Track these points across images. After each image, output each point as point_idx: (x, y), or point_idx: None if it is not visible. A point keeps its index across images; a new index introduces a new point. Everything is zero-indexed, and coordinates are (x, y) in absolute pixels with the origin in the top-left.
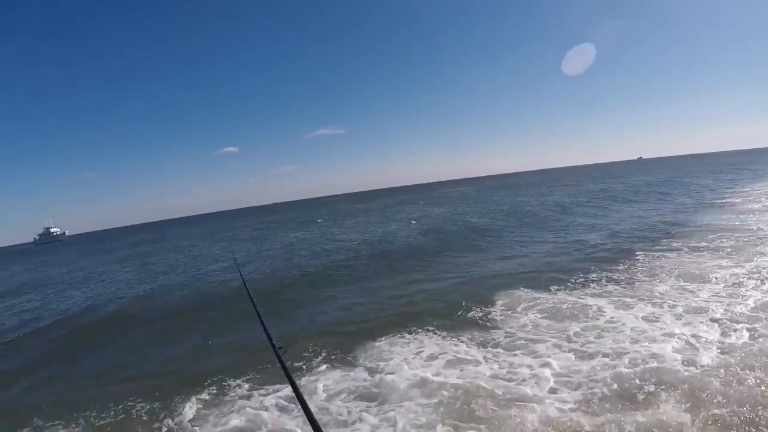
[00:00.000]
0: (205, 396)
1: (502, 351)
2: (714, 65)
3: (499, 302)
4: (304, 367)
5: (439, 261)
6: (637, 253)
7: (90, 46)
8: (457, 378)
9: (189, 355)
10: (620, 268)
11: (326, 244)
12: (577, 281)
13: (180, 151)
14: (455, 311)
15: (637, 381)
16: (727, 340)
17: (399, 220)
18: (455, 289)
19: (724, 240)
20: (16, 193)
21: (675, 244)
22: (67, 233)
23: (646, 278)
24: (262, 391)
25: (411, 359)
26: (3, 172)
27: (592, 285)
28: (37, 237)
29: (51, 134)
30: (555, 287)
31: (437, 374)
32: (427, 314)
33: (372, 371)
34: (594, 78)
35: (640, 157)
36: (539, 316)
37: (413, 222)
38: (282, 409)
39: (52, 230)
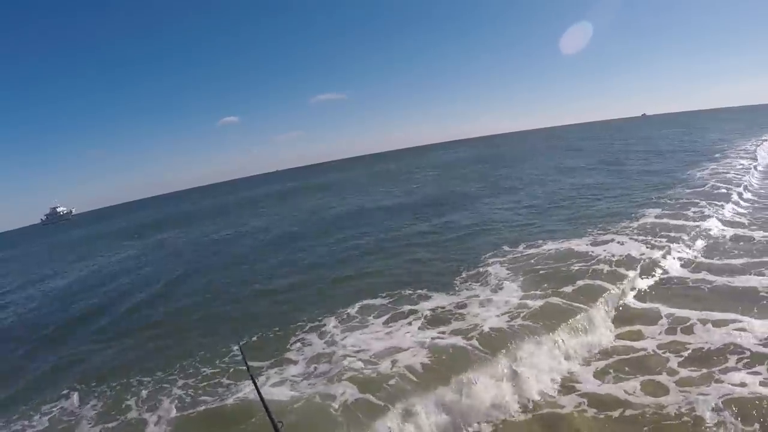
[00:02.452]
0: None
1: None
2: (716, 23)
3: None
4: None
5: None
6: None
7: (88, 24)
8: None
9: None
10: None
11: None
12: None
13: (181, 125)
14: None
15: None
16: None
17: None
18: None
19: None
20: (20, 176)
21: None
22: (73, 212)
23: None
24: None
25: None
26: (6, 156)
27: None
28: (44, 217)
29: (54, 115)
30: None
31: None
32: None
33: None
34: (596, 40)
35: (644, 114)
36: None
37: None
38: None
39: (58, 210)
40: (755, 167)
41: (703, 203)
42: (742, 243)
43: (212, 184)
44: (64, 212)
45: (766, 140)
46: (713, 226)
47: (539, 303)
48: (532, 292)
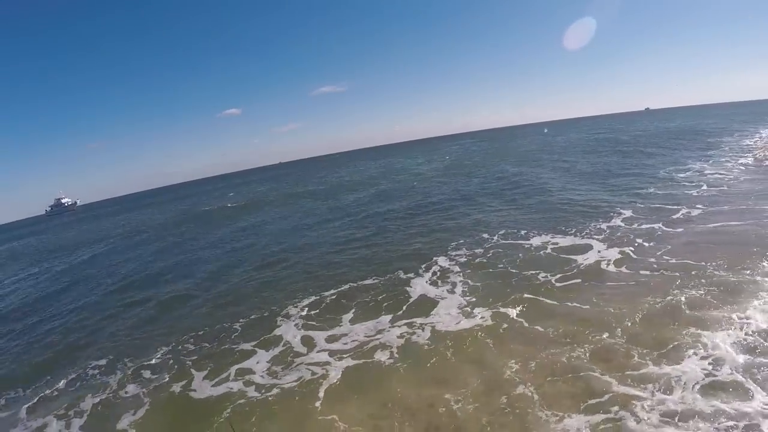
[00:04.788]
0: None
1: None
2: (719, 18)
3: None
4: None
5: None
6: None
7: (87, 17)
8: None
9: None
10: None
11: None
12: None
13: (181, 117)
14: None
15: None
16: None
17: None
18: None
19: None
20: (22, 168)
21: None
22: (78, 203)
23: None
24: None
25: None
26: (8, 150)
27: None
28: (48, 208)
29: (50, 108)
30: None
31: None
32: None
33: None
34: (599, 35)
35: (647, 108)
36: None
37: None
38: None
39: (63, 200)
40: None
41: None
42: None
43: (215, 176)
44: (69, 203)
45: None
46: None
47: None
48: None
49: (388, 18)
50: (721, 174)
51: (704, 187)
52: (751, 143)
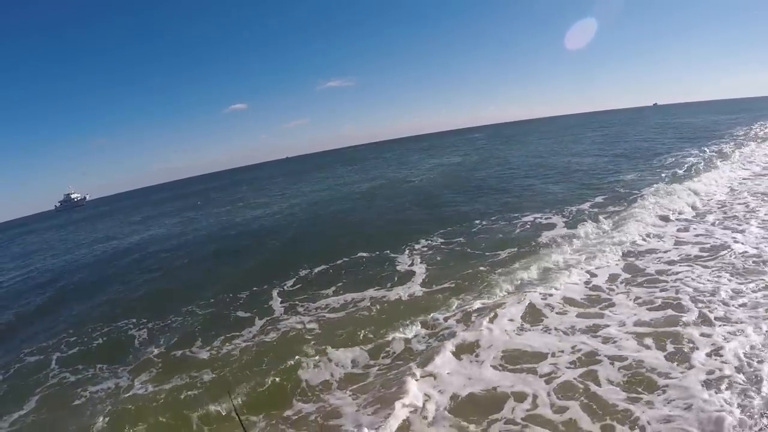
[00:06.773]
0: None
1: None
2: (733, 12)
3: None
4: None
5: None
6: None
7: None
8: None
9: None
10: None
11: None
12: None
13: (187, 112)
14: None
15: None
16: None
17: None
18: None
19: None
20: (29, 163)
21: None
22: (87, 197)
23: None
24: None
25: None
26: (15, 146)
27: None
28: (58, 204)
29: (57, 102)
30: None
31: None
32: None
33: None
34: (607, 31)
35: (656, 104)
36: None
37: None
38: None
39: (72, 196)
40: None
41: None
42: None
43: (223, 170)
44: (79, 198)
45: None
46: None
47: None
48: None
49: (398, 13)
50: (696, 163)
51: (680, 172)
52: (742, 134)
